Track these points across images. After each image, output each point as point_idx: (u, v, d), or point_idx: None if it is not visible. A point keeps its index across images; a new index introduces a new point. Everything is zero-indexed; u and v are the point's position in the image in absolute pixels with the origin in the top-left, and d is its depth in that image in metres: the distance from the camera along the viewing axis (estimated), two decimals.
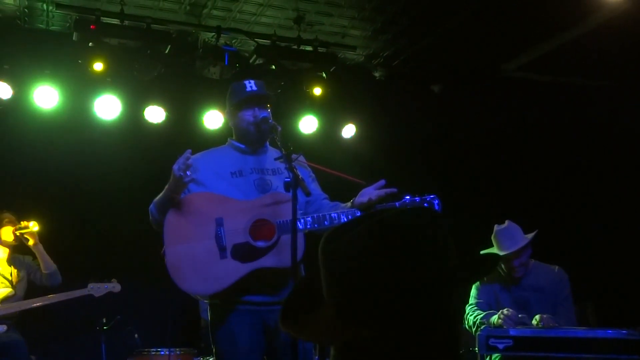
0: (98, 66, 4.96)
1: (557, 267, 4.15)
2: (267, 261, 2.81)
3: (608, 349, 3.58)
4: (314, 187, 3.12)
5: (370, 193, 2.88)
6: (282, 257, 2.71)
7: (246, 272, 2.80)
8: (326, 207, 3.04)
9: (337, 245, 1.12)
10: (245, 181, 2.97)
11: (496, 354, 3.82)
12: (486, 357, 3.80)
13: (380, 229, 1.09)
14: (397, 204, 2.91)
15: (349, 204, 2.95)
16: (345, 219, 2.84)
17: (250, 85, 3.08)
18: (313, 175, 3.18)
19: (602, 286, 4.95)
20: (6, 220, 4.84)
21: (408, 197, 2.93)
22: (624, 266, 5.36)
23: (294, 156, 2.77)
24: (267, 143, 3.02)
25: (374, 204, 2.86)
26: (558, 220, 5.31)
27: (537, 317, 3.77)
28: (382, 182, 2.91)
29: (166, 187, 2.87)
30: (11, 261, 4.84)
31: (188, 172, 2.77)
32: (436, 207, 2.92)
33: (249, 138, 3.05)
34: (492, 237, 4.06)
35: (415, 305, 1.06)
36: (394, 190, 2.88)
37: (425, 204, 2.91)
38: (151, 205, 2.95)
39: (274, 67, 5.38)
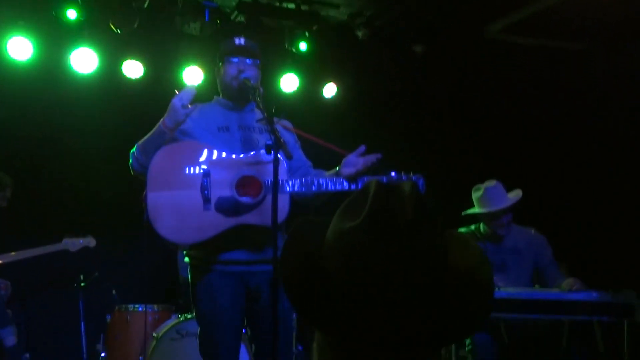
0: (72, 14, 4.82)
1: (533, 230, 4.21)
2: (250, 218, 2.79)
3: (580, 311, 3.67)
4: (299, 153, 3.10)
5: (355, 163, 2.86)
6: (266, 216, 2.70)
7: (228, 226, 2.78)
8: (313, 173, 3.02)
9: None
10: (231, 137, 2.94)
11: None
12: None
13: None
14: (383, 179, 2.90)
15: (333, 172, 2.93)
16: (333, 187, 2.83)
17: (240, 40, 3.02)
18: (299, 141, 3.14)
19: (575, 247, 5.04)
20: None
21: (394, 173, 2.92)
22: (596, 227, 5.45)
23: (276, 119, 2.75)
24: (254, 103, 2.97)
25: (361, 174, 2.84)
26: (536, 181, 5.36)
27: (570, 280, 3.80)
28: (362, 148, 2.89)
29: (157, 125, 2.82)
30: None
31: (187, 111, 2.73)
32: (420, 188, 2.92)
33: (232, 94, 3.01)
34: (478, 197, 4.08)
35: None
36: (379, 155, 2.86)
37: None
38: (135, 149, 2.88)
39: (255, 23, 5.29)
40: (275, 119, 2.74)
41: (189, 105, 2.76)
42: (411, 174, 2.94)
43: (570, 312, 3.68)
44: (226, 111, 3.03)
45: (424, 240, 1.01)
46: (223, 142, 2.91)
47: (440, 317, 1.02)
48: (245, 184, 2.81)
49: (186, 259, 3.02)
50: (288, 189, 2.79)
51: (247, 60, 2.99)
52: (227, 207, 2.78)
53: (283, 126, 3.01)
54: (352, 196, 1.12)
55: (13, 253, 4.59)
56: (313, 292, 1.05)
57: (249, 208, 2.79)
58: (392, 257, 0.99)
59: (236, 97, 3.01)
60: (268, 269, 2.69)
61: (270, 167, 2.64)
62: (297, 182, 2.82)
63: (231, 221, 2.79)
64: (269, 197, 2.74)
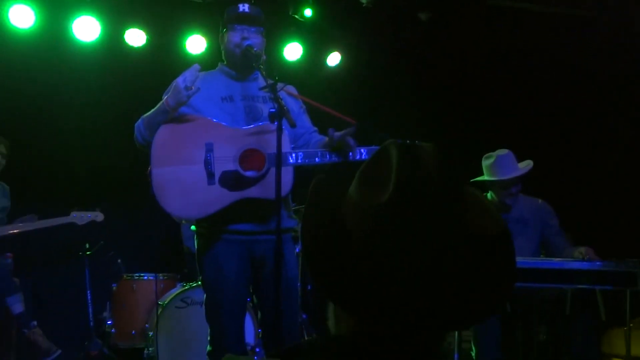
0: None
1: (540, 200, 4.21)
2: (255, 192, 2.80)
3: (583, 280, 3.69)
4: (304, 118, 3.08)
5: (331, 140, 2.83)
6: (270, 189, 2.70)
7: (232, 200, 2.79)
8: (315, 140, 3.01)
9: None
10: (235, 107, 2.92)
11: None
12: None
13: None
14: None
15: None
16: (336, 159, 2.82)
17: (243, 7, 2.98)
18: (304, 106, 3.12)
19: (579, 217, 5.04)
20: None
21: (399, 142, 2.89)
22: (600, 197, 5.45)
23: (279, 85, 2.72)
24: (258, 71, 2.93)
25: (337, 148, 2.81)
26: (543, 150, 5.33)
27: (583, 250, 3.81)
28: (353, 129, 2.84)
29: (161, 102, 2.80)
30: None
31: (192, 89, 2.71)
32: None
33: (235, 62, 2.99)
34: (489, 164, 4.06)
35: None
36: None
37: None
38: (139, 122, 2.87)
39: None
40: (279, 85, 2.72)
41: (192, 87, 2.73)
42: (416, 142, 2.92)
43: (573, 280, 3.69)
44: (230, 80, 3.01)
45: (451, 212, 0.98)
46: (227, 113, 2.90)
47: (467, 291, 0.99)
48: (248, 157, 2.81)
49: (192, 227, 3.03)
50: (291, 161, 2.78)
51: (251, 27, 2.96)
52: (231, 181, 2.78)
53: (288, 92, 2.99)
54: (372, 161, 1.06)
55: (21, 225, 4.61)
56: (335, 264, 1.00)
57: (253, 182, 2.79)
58: (421, 233, 0.96)
59: (240, 65, 2.98)
60: (273, 238, 2.70)
61: (275, 137, 2.63)
62: (301, 154, 2.81)
63: (235, 195, 2.79)
64: (273, 170, 2.73)
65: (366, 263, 0.97)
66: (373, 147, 2.88)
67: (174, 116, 2.83)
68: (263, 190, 2.78)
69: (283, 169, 2.61)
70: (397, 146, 1.03)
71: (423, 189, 0.97)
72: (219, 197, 2.78)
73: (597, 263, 3.71)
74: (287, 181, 2.76)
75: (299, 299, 3.04)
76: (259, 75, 2.91)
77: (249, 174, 2.79)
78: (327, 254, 1.01)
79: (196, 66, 2.78)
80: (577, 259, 3.77)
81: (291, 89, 3.06)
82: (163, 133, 2.81)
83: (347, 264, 0.98)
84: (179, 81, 2.73)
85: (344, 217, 1.02)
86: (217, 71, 3.07)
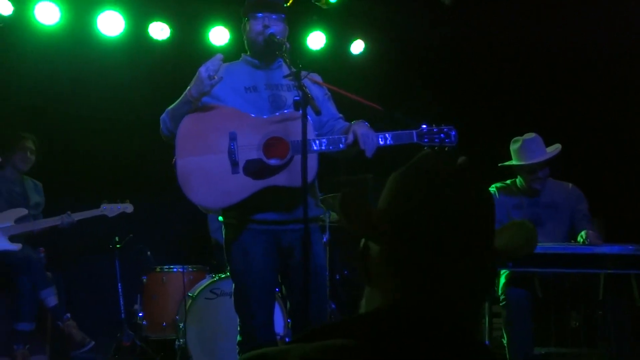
0: None
1: (570, 185, 4.14)
2: (279, 179, 2.79)
3: (615, 265, 3.62)
4: (329, 105, 3.06)
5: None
6: (294, 177, 2.69)
7: (257, 189, 2.78)
8: (339, 127, 2.99)
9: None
10: (259, 97, 2.91)
11: (504, 270, 3.87)
12: None
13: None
14: (414, 132, 2.86)
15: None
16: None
17: None
18: (329, 93, 3.09)
19: (612, 202, 4.95)
20: (23, 144, 4.81)
21: (425, 126, 2.88)
22: (633, 181, 5.34)
23: (303, 73, 2.71)
24: (282, 59, 2.91)
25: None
26: (570, 135, 5.24)
27: (583, 233, 3.77)
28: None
29: (185, 93, 2.81)
30: (23, 183, 4.86)
31: (216, 76, 2.72)
32: (453, 139, 2.88)
33: (258, 51, 2.97)
34: (516, 148, 4.02)
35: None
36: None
37: (442, 135, 2.87)
38: (164, 115, 2.89)
39: None
40: (303, 73, 2.70)
41: (215, 76, 2.73)
42: (442, 126, 2.89)
43: (606, 265, 3.63)
44: (253, 70, 3.00)
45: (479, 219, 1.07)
46: (251, 102, 2.89)
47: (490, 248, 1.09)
48: (272, 145, 2.80)
49: (220, 218, 3.04)
50: (315, 148, 2.77)
51: (273, 15, 2.94)
52: (255, 170, 2.78)
53: (312, 80, 2.97)
54: (405, 171, 1.12)
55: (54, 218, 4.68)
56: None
57: (277, 170, 2.79)
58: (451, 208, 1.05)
59: (263, 53, 2.97)
60: (300, 227, 2.70)
61: (298, 125, 2.61)
62: (325, 140, 2.79)
63: (260, 183, 2.78)
64: (297, 158, 2.72)
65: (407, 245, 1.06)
66: (399, 131, 2.85)
67: (197, 107, 2.84)
68: (287, 178, 2.77)
69: (308, 155, 2.59)
70: (432, 161, 1.12)
71: (456, 205, 1.07)
72: (243, 186, 2.78)
73: (630, 247, 3.64)
74: (312, 167, 2.73)
75: (327, 288, 3.03)
76: (283, 63, 2.89)
77: (272, 162, 2.78)
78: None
79: (219, 55, 2.78)
80: (579, 244, 3.71)
81: (315, 76, 3.04)
82: (187, 124, 2.82)
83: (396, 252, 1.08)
84: (202, 70, 2.73)
85: (376, 225, 1.09)
86: (241, 61, 3.06)
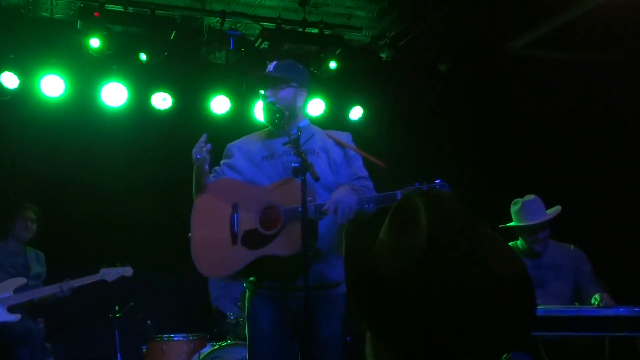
0: (95, 42, 4.92)
1: (572, 246, 4.13)
2: (273, 249, 2.78)
3: (621, 327, 3.57)
4: (350, 166, 2.96)
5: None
6: (287, 245, 2.71)
7: (253, 259, 2.80)
8: (357, 186, 2.87)
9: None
10: (272, 164, 2.93)
11: None
12: None
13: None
14: (398, 192, 2.69)
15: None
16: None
17: (269, 67, 3.04)
18: (352, 153, 3.00)
19: (614, 263, 4.93)
20: (24, 214, 4.83)
21: (417, 184, 2.81)
22: (635, 242, 5.33)
23: (328, 132, 2.80)
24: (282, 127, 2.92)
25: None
26: (568, 198, 5.27)
27: (597, 296, 3.72)
28: None
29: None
30: (25, 253, 4.85)
31: (202, 155, 2.76)
32: None
33: (266, 120, 3.02)
34: (516, 210, 4.03)
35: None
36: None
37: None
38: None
39: (279, 50, 5.34)
40: (327, 132, 2.75)
41: (200, 157, 2.76)
42: (435, 181, 2.79)
43: (612, 328, 3.58)
44: (270, 138, 3.03)
45: (473, 254, 1.09)
46: (264, 172, 2.93)
47: (493, 324, 1.08)
48: (268, 214, 2.83)
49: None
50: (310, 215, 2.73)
51: (269, 90, 2.97)
52: (252, 240, 2.82)
53: (335, 140, 2.98)
54: (398, 209, 1.16)
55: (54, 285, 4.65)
56: (376, 303, 1.11)
57: (270, 238, 2.80)
58: (450, 274, 1.07)
59: (270, 122, 3.01)
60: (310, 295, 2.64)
61: (295, 193, 2.63)
62: (312, 207, 2.69)
63: (255, 254, 2.81)
64: (288, 227, 2.73)
65: (401, 300, 1.08)
66: (382, 194, 2.78)
67: (210, 182, 2.92)
68: (281, 247, 2.77)
69: (296, 224, 2.61)
70: (420, 195, 1.15)
71: (449, 236, 1.09)
72: (241, 257, 2.82)
73: (636, 309, 3.59)
74: (308, 234, 2.65)
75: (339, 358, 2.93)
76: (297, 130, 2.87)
77: (267, 231, 2.80)
78: (368, 295, 1.13)
79: (203, 137, 2.81)
80: (593, 306, 3.67)
81: (338, 135, 3.03)
82: (200, 199, 2.93)
83: (385, 302, 1.10)
84: (192, 152, 2.80)
85: (376, 259, 1.13)
86: (263, 131, 3.11)
